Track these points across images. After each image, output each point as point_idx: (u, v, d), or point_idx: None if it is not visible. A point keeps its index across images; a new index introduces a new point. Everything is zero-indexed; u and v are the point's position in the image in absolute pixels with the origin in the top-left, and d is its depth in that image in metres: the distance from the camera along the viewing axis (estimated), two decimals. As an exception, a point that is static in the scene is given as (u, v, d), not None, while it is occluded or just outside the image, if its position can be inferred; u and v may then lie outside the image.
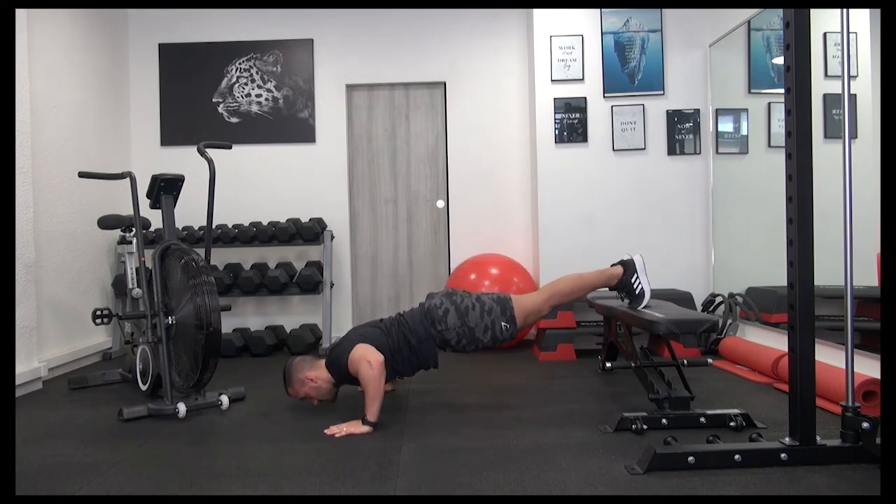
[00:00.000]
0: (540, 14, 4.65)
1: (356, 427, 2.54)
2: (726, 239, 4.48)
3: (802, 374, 2.08)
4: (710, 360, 2.88)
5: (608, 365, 2.91)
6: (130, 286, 3.93)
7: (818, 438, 2.08)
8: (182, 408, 2.82)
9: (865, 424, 2.04)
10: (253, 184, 4.97)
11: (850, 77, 2.06)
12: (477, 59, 4.97)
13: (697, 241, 4.65)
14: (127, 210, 3.48)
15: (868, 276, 2.74)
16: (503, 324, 2.79)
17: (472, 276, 4.39)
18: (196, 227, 4.67)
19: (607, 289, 2.99)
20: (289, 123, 4.99)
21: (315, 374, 2.80)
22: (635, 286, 2.87)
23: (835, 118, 3.35)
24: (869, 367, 2.71)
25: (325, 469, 2.14)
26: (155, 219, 3.90)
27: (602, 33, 4.63)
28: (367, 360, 2.57)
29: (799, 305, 2.07)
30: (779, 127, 3.95)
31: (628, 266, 2.88)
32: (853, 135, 2.95)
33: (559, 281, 2.94)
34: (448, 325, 2.77)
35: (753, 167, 4.27)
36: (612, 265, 2.94)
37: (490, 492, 1.93)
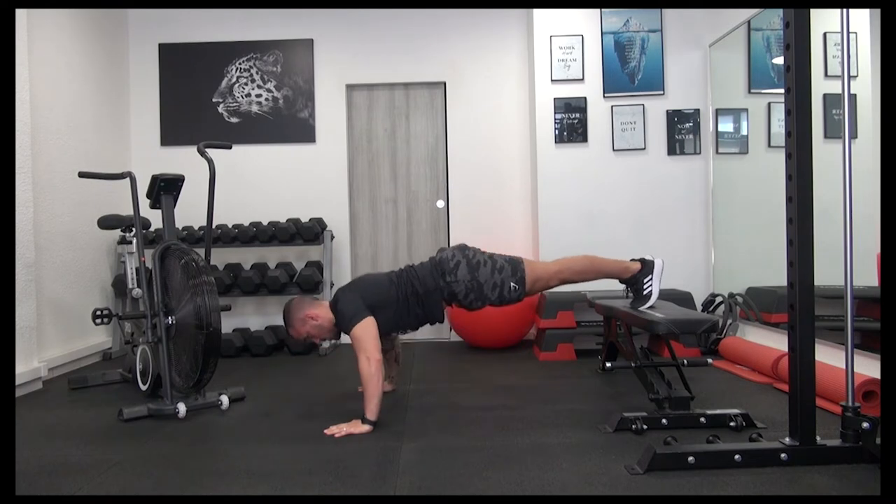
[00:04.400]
0: (540, 14, 4.65)
1: (356, 426, 2.54)
2: (726, 239, 4.48)
3: (802, 374, 2.08)
4: (710, 360, 2.88)
5: (608, 365, 2.91)
6: (130, 286, 3.93)
7: (818, 438, 2.08)
8: (182, 408, 2.82)
9: (865, 424, 2.04)
10: (253, 184, 4.97)
11: (850, 77, 2.06)
12: (477, 60, 4.97)
13: (697, 241, 4.65)
14: (127, 210, 3.48)
15: (868, 276, 2.74)
16: (512, 284, 2.80)
17: (472, 276, 4.39)
18: (196, 227, 4.67)
19: (618, 281, 2.98)
20: (289, 123, 4.99)
21: (316, 312, 2.82)
22: (645, 286, 2.88)
23: (835, 118, 3.35)
24: (869, 367, 2.71)
25: (325, 469, 2.14)
26: (155, 219, 3.89)
27: (602, 33, 4.63)
28: (367, 355, 2.58)
29: (799, 305, 2.07)
30: (779, 127, 3.95)
31: (647, 265, 2.89)
32: (853, 135, 2.95)
33: (574, 258, 2.95)
34: (458, 278, 2.78)
35: (753, 167, 4.27)
36: (632, 260, 2.94)
37: (490, 492, 1.93)
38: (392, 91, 5.06)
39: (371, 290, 2.79)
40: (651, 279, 2.88)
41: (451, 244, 4.95)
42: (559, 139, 4.65)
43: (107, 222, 3.53)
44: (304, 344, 4.41)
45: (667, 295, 3.94)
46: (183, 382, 2.96)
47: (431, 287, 2.81)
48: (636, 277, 2.90)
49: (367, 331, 2.66)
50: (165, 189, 3.15)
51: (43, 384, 3.57)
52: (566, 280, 2.93)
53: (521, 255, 2.96)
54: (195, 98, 4.98)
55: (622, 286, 3.03)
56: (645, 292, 2.88)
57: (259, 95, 4.97)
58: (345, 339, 2.99)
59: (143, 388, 3.17)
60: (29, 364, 3.45)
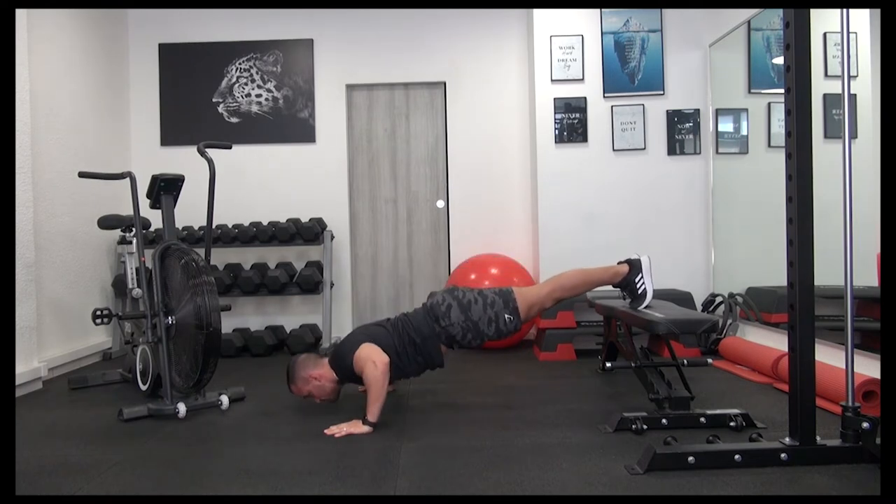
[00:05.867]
0: (540, 14, 4.65)
1: (356, 427, 2.54)
2: (726, 239, 4.48)
3: (802, 374, 2.08)
4: (710, 360, 2.88)
5: (608, 365, 2.91)
6: (130, 286, 3.93)
7: (818, 438, 2.08)
8: (182, 408, 2.82)
9: (865, 424, 2.04)
10: (253, 184, 4.97)
11: (850, 77, 2.06)
12: (477, 59, 4.97)
13: (697, 241, 4.65)
14: (127, 210, 3.48)
15: (868, 276, 2.74)
16: (507, 316, 2.80)
17: (472, 276, 4.39)
18: (196, 227, 4.67)
19: (611, 286, 2.99)
20: (289, 123, 4.99)
21: (318, 373, 2.80)
22: (638, 286, 2.88)
23: (835, 118, 3.35)
24: (869, 367, 2.71)
25: (325, 469, 2.14)
26: (155, 219, 3.89)
27: (602, 33, 4.63)
28: (373, 360, 2.57)
29: (799, 305, 2.07)
30: (779, 127, 3.95)
31: (634, 265, 2.89)
32: (853, 135, 2.95)
33: (563, 275, 2.94)
34: (452, 321, 2.78)
35: (753, 167, 4.27)
36: (619, 263, 2.94)
37: (490, 492, 1.93)
38: (392, 91, 5.06)
39: (371, 338, 2.76)
40: (642, 277, 2.88)
41: (452, 244, 4.97)
42: (559, 139, 4.65)
43: (107, 222, 3.53)
44: (306, 343, 4.41)
45: (667, 295, 3.94)
46: (183, 382, 2.96)
47: (427, 334, 2.80)
48: (627, 279, 2.90)
49: (369, 348, 2.66)
50: (165, 189, 3.15)
51: (43, 384, 3.57)
52: (560, 298, 2.93)
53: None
54: (195, 98, 4.98)
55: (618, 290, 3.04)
56: (639, 291, 2.88)
57: (259, 95, 4.97)
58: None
59: (143, 388, 3.17)
60: (29, 364, 3.45)
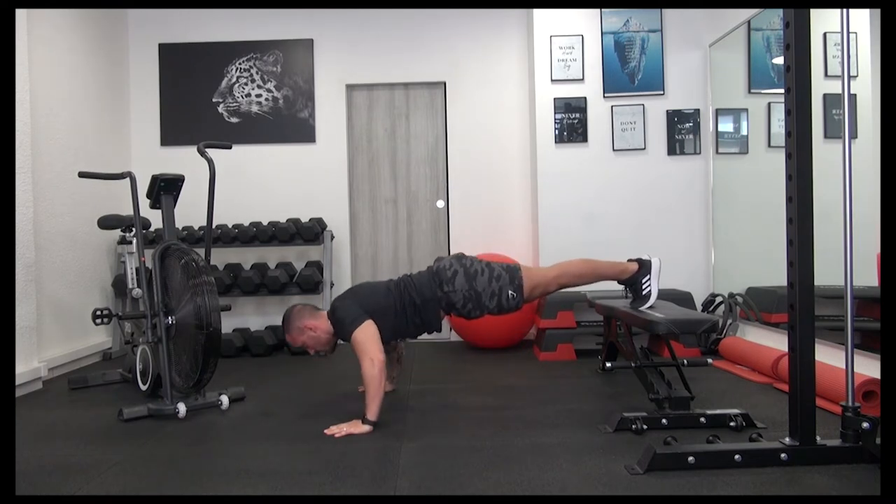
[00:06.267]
0: (540, 14, 4.65)
1: (356, 427, 2.54)
2: (726, 239, 4.48)
3: (802, 374, 2.08)
4: (710, 360, 2.89)
5: (608, 365, 2.91)
6: (130, 286, 3.92)
7: (818, 438, 2.08)
8: (182, 408, 2.82)
9: (865, 424, 2.04)
10: (253, 184, 4.97)
11: (850, 77, 2.06)
12: (477, 59, 4.97)
13: (697, 241, 4.65)
14: (127, 210, 3.48)
15: (868, 276, 2.74)
16: (510, 292, 2.80)
17: (472, 276, 4.39)
18: (196, 227, 4.67)
19: (616, 283, 2.99)
20: (289, 123, 4.99)
21: (315, 324, 2.82)
22: (644, 286, 2.88)
23: (835, 118, 3.35)
24: (869, 367, 2.71)
25: (325, 469, 2.14)
26: (155, 219, 3.89)
27: (602, 33, 4.63)
28: (370, 357, 2.57)
29: (799, 305, 2.07)
30: (779, 127, 3.95)
31: (644, 265, 2.89)
32: (853, 135, 2.95)
33: (571, 262, 2.95)
34: (455, 287, 2.78)
35: (753, 167, 4.27)
36: (629, 260, 2.94)
37: (490, 492, 1.93)
38: (392, 91, 5.06)
39: (369, 298, 2.78)
40: (649, 279, 2.88)
41: (452, 244, 4.97)
42: (559, 139, 4.65)
43: (107, 222, 3.53)
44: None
45: (667, 295, 3.94)
46: (183, 382, 2.96)
47: (429, 297, 2.80)
48: (634, 278, 2.90)
49: (367, 333, 2.65)
50: (165, 189, 3.15)
51: (43, 384, 3.57)
52: (565, 285, 2.94)
53: (520, 260, 2.96)
54: (195, 98, 4.98)
55: (621, 286, 3.04)
56: (644, 292, 2.89)
57: (259, 95, 4.97)
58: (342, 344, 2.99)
59: (143, 388, 3.17)
60: (29, 364, 3.45)
